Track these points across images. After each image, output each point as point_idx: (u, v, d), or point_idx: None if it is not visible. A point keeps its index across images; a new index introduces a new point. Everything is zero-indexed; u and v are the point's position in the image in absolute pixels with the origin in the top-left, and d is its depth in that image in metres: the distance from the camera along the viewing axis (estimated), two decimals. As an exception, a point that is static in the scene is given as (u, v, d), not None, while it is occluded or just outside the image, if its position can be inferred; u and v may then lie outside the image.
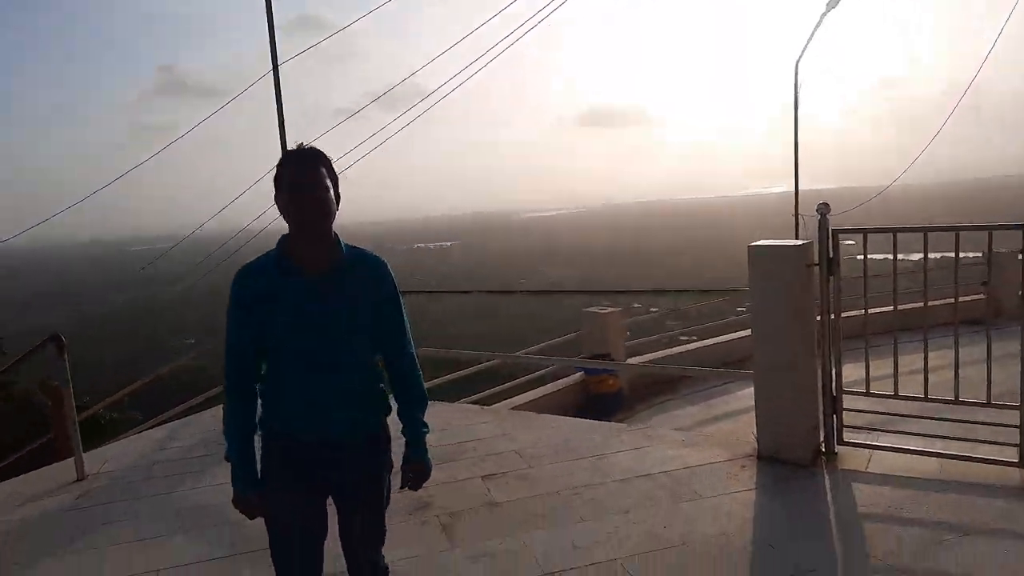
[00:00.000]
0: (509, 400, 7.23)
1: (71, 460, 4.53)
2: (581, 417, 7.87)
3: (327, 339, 2.02)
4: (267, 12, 5.86)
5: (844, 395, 3.93)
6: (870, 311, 4.11)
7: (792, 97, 10.17)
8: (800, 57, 9.96)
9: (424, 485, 2.20)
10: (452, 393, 7.04)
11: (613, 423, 4.98)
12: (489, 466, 4.20)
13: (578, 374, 8.27)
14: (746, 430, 6.50)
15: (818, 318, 3.91)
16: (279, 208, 2.03)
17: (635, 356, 8.87)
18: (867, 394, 3.87)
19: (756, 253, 3.89)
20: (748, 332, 9.93)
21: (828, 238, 3.85)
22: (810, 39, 9.83)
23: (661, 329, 10.33)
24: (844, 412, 3.93)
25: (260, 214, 7.08)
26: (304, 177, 1.97)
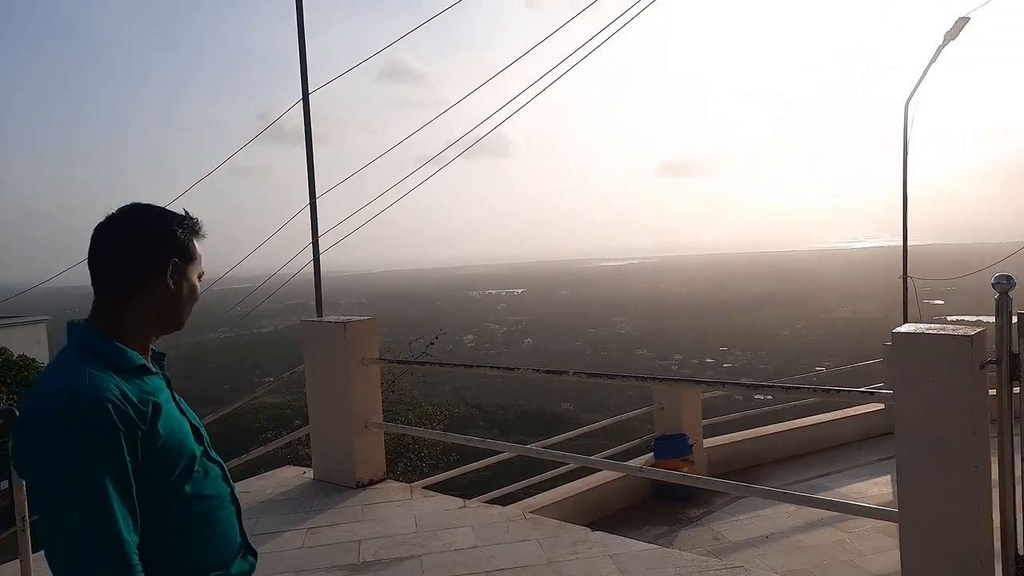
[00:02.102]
0: (565, 487, 6.12)
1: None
2: (651, 508, 6.77)
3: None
4: (299, 40, 5.20)
5: (1039, 558, 2.70)
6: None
7: (901, 141, 8.87)
8: (911, 97, 8.72)
9: None
10: (491, 481, 6.01)
11: (694, 555, 3.82)
12: (522, 617, 3.14)
13: (647, 456, 7.09)
14: (861, 551, 5.25)
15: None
16: (177, 282, 1.47)
17: (713, 438, 7.63)
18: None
19: (905, 343, 2.74)
20: (850, 412, 8.63)
21: (1012, 324, 2.68)
22: (924, 76, 8.60)
23: (745, 404, 9.00)
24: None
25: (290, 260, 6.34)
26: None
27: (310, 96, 5.42)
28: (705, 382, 5.33)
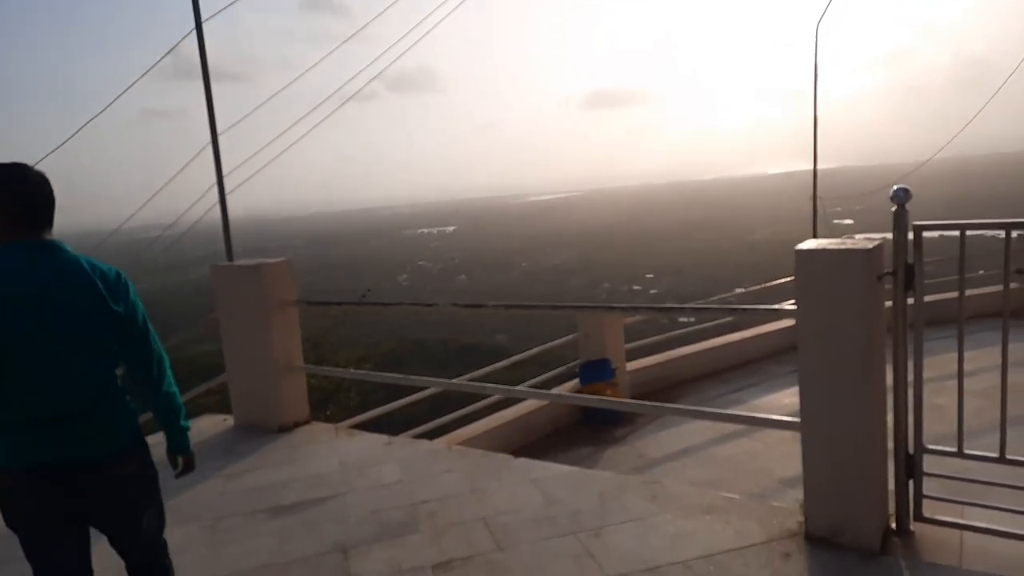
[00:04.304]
0: (494, 416, 6.20)
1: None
2: (578, 431, 6.94)
3: None
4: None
5: (925, 455, 2.87)
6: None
7: (812, 65, 8.99)
8: (821, 18, 8.80)
9: None
10: (423, 415, 6.01)
11: (611, 474, 3.93)
12: (448, 546, 3.16)
13: (573, 382, 7.24)
14: (771, 458, 5.55)
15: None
16: None
17: (636, 360, 7.84)
18: (959, 454, 2.81)
19: (806, 259, 2.81)
20: (765, 328, 8.99)
21: (907, 237, 2.77)
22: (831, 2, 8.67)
23: (669, 326, 9.24)
24: (925, 478, 2.87)
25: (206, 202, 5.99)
26: None
27: (206, 25, 5.01)
28: (622, 307, 5.41)
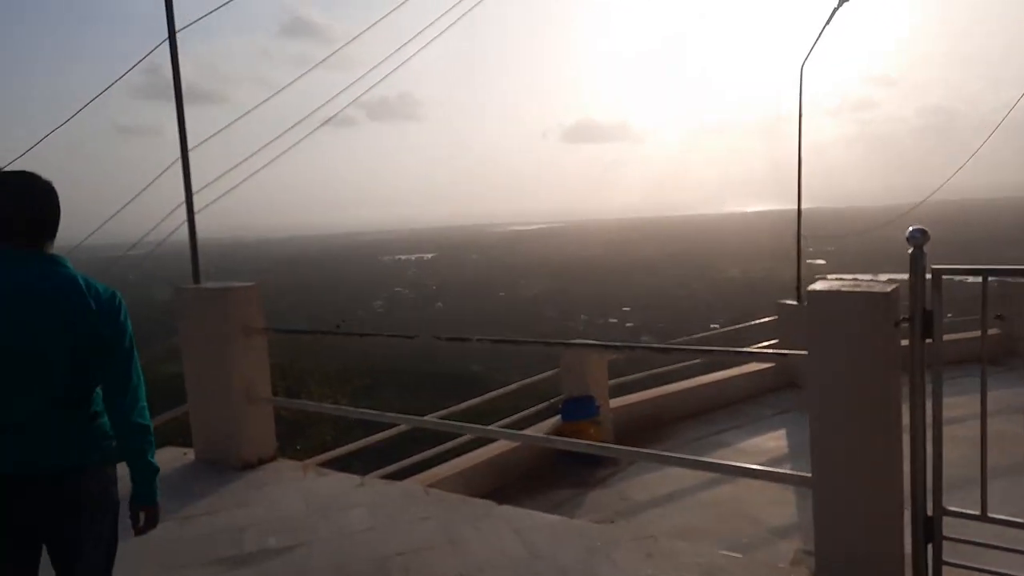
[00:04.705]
0: (472, 454, 5.90)
1: None
2: (559, 470, 6.65)
3: None
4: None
5: (945, 517, 2.66)
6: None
7: (795, 103, 8.97)
8: (805, 59, 8.83)
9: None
10: (397, 449, 5.69)
11: (599, 527, 3.66)
12: (421, 604, 2.87)
13: (555, 419, 6.97)
14: (758, 504, 5.32)
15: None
16: None
17: (618, 398, 7.61)
18: (982, 518, 2.60)
19: (821, 301, 2.60)
20: (747, 368, 8.84)
21: (925, 281, 2.59)
22: (818, 39, 8.72)
23: (650, 363, 9.04)
24: (945, 542, 2.65)
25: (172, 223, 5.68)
26: None
27: (185, 46, 4.78)
28: (615, 346, 5.19)
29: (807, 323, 2.66)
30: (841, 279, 2.76)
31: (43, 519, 2.03)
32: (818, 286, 2.64)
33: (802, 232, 9.48)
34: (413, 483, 4.44)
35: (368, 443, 4.98)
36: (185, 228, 5.12)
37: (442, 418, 5.80)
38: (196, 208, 4.84)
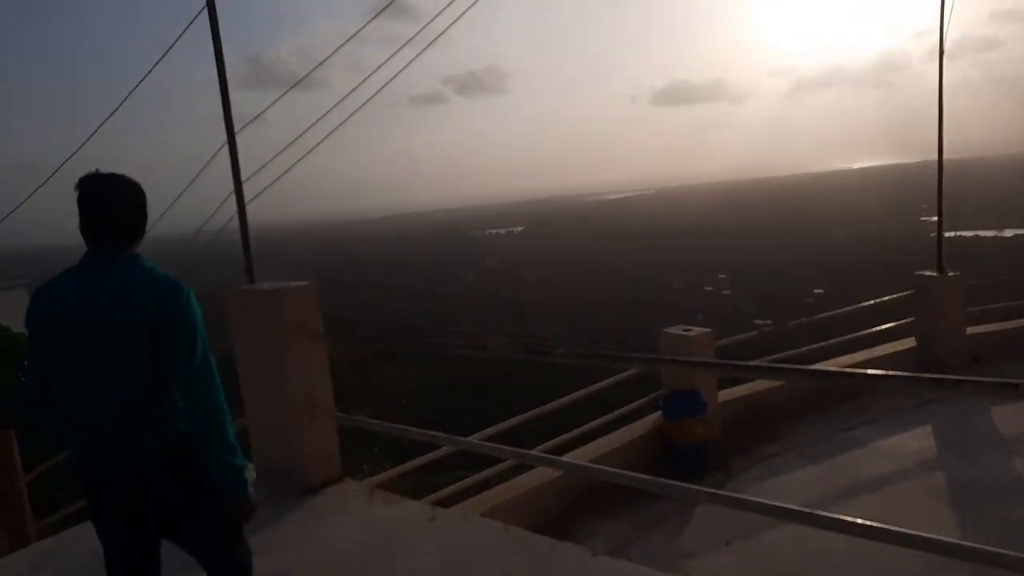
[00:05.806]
0: (558, 461, 5.26)
1: None
2: (657, 476, 5.91)
3: None
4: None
5: None
6: None
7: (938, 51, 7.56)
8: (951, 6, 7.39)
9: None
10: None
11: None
12: None
13: (655, 415, 6.22)
14: (905, 518, 4.40)
15: None
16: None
17: (727, 389, 6.74)
18: None
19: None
20: (878, 351, 7.71)
21: None
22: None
23: (757, 350, 8.05)
24: None
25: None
26: None
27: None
28: (735, 365, 4.31)
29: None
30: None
31: (140, 508, 2.13)
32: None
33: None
34: (493, 523, 3.77)
35: (434, 457, 4.43)
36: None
37: (531, 419, 5.22)
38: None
